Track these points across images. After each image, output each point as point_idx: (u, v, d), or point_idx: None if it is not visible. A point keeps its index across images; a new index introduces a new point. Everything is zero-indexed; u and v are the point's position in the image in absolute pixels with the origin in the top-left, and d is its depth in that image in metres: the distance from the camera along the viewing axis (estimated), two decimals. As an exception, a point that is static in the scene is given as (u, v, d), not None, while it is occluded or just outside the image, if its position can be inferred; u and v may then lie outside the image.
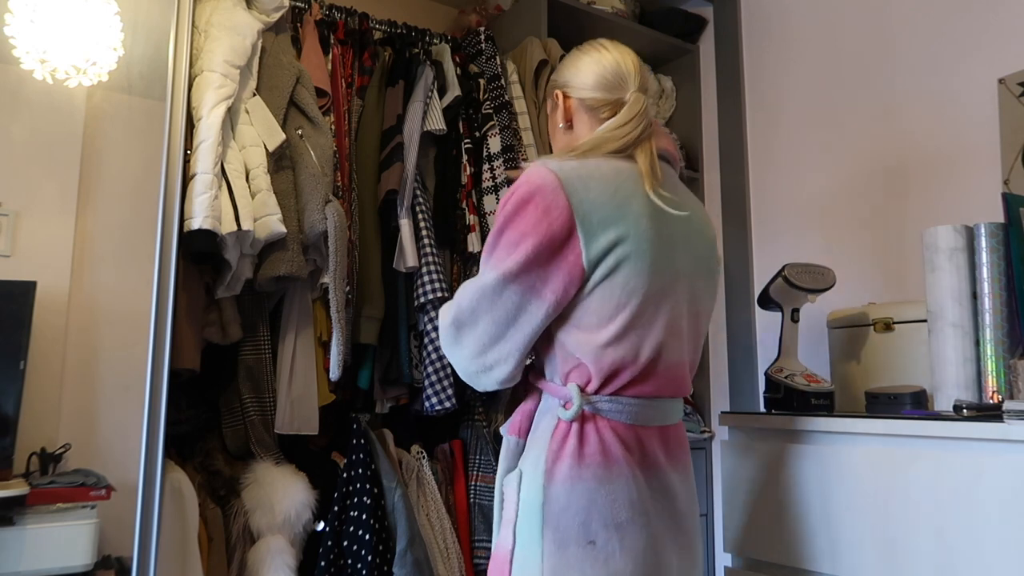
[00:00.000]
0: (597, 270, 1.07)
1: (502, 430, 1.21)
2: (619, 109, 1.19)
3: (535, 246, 1.06)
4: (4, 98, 1.85)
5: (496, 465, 2.01)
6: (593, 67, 1.22)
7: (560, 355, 1.12)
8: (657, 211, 1.12)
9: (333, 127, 1.89)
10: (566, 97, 1.25)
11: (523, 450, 1.15)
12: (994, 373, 1.43)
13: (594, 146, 1.14)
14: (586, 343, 1.08)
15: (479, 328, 1.11)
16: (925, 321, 1.59)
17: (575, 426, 1.09)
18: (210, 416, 1.83)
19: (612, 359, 1.08)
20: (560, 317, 1.10)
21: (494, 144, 2.08)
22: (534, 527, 1.05)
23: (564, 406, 1.10)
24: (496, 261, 1.09)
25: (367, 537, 1.72)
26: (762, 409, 1.83)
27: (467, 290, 1.12)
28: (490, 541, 1.94)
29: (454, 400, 1.88)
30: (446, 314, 1.15)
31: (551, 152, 1.29)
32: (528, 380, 1.22)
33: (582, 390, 1.09)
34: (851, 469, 1.41)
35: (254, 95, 1.75)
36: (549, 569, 1.03)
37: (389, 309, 1.90)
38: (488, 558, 1.93)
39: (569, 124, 1.25)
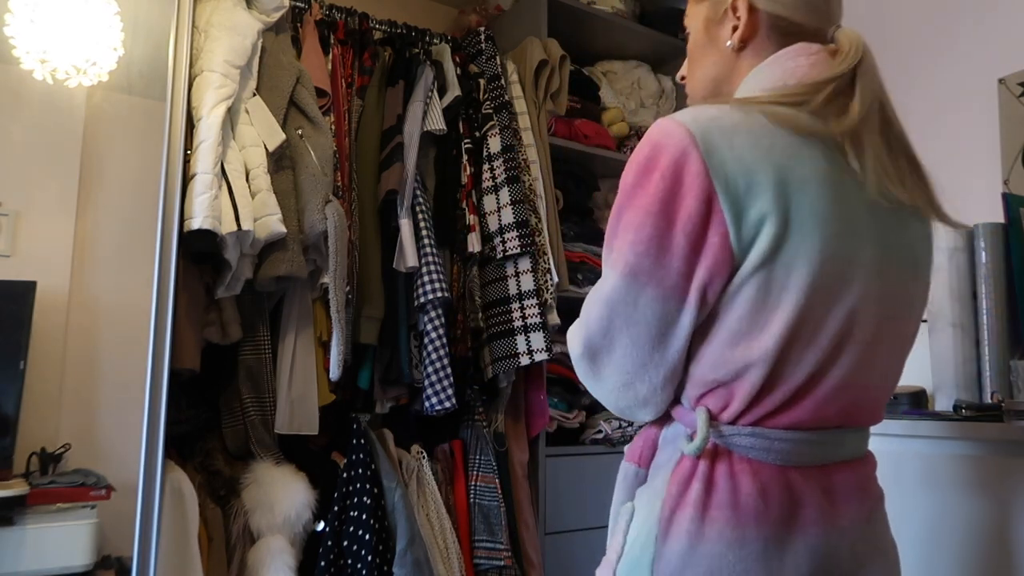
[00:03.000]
0: (750, 255, 0.78)
1: (626, 452, 0.96)
2: (812, 42, 0.90)
3: (668, 229, 0.78)
4: (4, 98, 1.85)
5: (496, 465, 2.01)
6: None
7: (693, 371, 0.84)
8: (837, 171, 0.81)
9: (333, 127, 1.89)
10: (752, 9, 0.91)
11: (643, 480, 0.90)
12: (994, 373, 1.43)
13: (755, 91, 0.86)
14: (730, 355, 0.80)
15: (616, 353, 0.83)
16: (925, 321, 1.59)
17: (702, 465, 0.81)
18: (210, 416, 1.83)
19: (761, 375, 0.79)
20: (704, 319, 0.82)
21: (494, 144, 2.08)
22: None
23: (690, 436, 0.82)
24: (618, 255, 0.81)
25: (367, 537, 1.72)
26: (762, 409, 1.82)
27: (594, 303, 0.85)
28: (490, 541, 1.94)
29: (454, 400, 1.88)
30: (575, 340, 0.87)
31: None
32: None
33: (714, 417, 0.82)
34: (851, 469, 1.41)
35: (254, 95, 1.75)
36: None
37: (389, 309, 1.90)
38: (488, 558, 1.93)
39: (744, 45, 0.92)
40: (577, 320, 0.89)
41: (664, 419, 0.90)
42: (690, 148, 0.78)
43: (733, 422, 0.81)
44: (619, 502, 0.91)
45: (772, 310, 0.78)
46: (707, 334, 0.81)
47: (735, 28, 0.92)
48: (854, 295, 0.81)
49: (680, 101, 2.68)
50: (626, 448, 0.95)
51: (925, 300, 0.92)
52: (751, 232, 0.77)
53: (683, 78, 1.02)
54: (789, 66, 0.87)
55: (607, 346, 0.84)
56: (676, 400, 0.87)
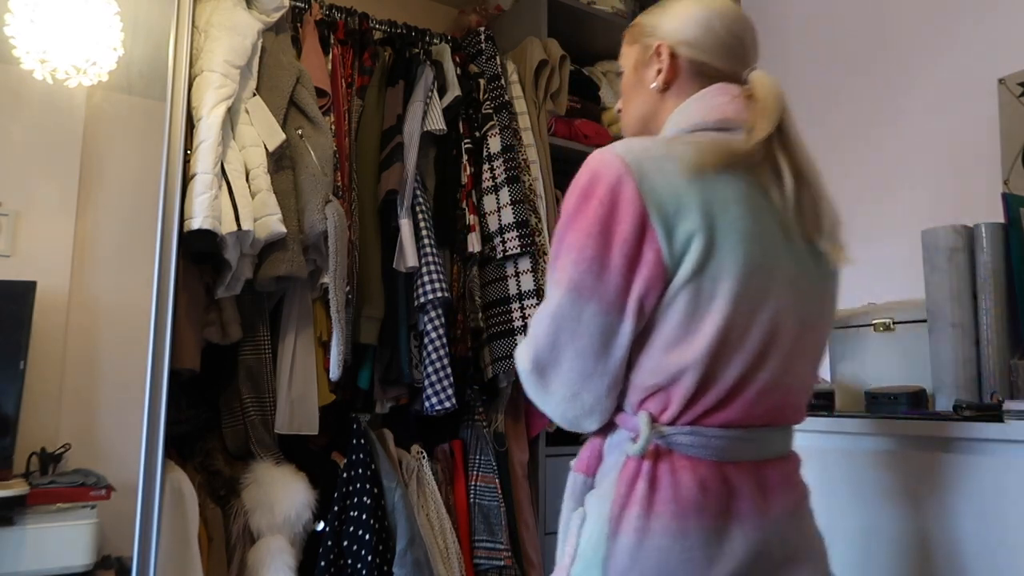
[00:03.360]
0: (681, 269, 0.86)
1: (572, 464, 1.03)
2: (729, 82, 1.00)
3: (606, 248, 0.86)
4: (4, 98, 1.85)
5: (496, 465, 2.01)
6: (713, 19, 1.02)
7: (634, 378, 0.90)
8: (755, 195, 0.90)
9: (333, 127, 1.89)
10: (674, 54, 1.01)
11: (591, 488, 0.96)
12: (994, 373, 1.43)
13: (684, 128, 0.96)
14: (666, 361, 0.87)
15: (563, 366, 0.89)
16: (925, 321, 1.59)
17: (646, 465, 0.87)
18: (210, 416, 1.83)
19: (695, 379, 0.86)
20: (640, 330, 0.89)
21: (494, 144, 2.08)
22: None
23: (633, 439, 0.89)
24: (562, 274, 0.88)
25: (367, 537, 1.72)
26: (762, 409, 1.82)
27: (540, 321, 0.91)
28: (490, 541, 1.94)
29: (454, 400, 1.88)
30: (523, 357, 0.93)
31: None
32: None
33: (655, 419, 0.88)
34: (851, 469, 1.41)
35: (254, 95, 1.75)
36: None
37: (389, 309, 1.90)
38: (488, 558, 1.92)
39: (667, 86, 1.02)
40: (524, 339, 0.95)
41: (607, 428, 0.95)
42: (625, 175, 0.86)
43: (672, 423, 0.88)
44: (569, 509, 0.96)
45: (702, 318, 0.86)
46: (645, 343, 0.88)
47: (659, 71, 1.02)
48: (775, 305, 0.89)
49: (680, 101, 2.68)
50: (573, 461, 1.00)
51: (834, 312, 1.03)
52: (681, 248, 0.85)
53: (619, 111, 1.12)
54: (711, 104, 0.97)
55: (554, 360, 0.90)
56: (619, 408, 0.93)
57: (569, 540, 0.93)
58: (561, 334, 0.89)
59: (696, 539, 0.85)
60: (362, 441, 1.81)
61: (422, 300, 1.89)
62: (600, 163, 0.89)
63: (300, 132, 1.79)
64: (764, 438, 0.92)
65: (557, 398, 0.92)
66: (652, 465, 0.87)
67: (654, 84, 1.03)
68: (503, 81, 2.14)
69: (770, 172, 0.93)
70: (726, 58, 1.01)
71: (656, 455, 0.88)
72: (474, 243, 2.02)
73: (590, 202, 0.88)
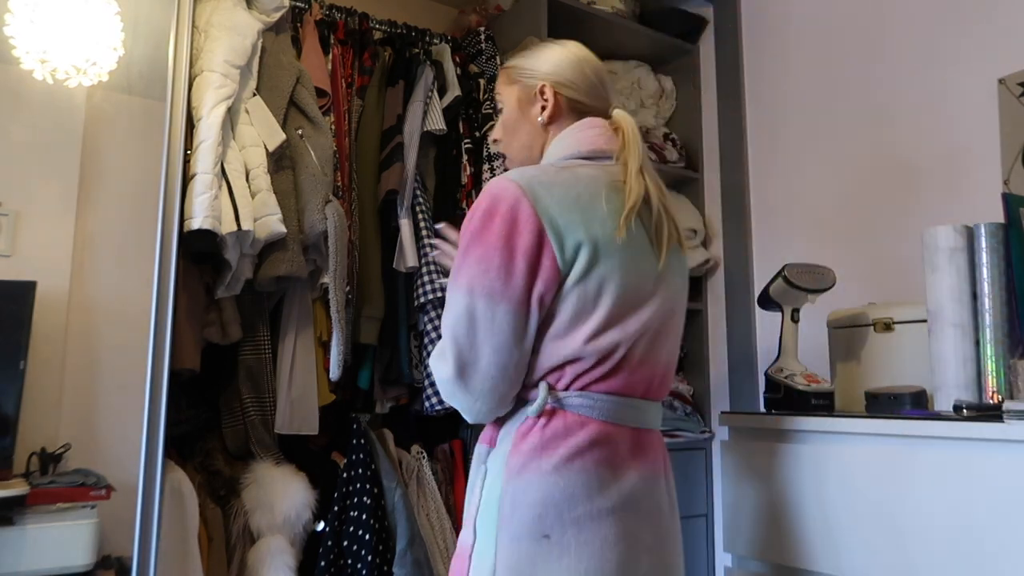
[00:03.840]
0: (572, 271, 1.05)
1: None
2: (596, 116, 1.20)
3: (511, 258, 1.03)
4: (4, 98, 1.85)
5: (496, 465, 2.01)
6: (583, 65, 1.21)
7: (536, 362, 1.08)
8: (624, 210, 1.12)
9: (333, 127, 1.89)
10: (556, 93, 1.20)
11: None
12: (994, 373, 1.43)
13: (561, 157, 1.16)
14: (562, 345, 1.06)
15: (482, 362, 1.04)
16: (925, 321, 1.59)
17: (541, 420, 1.06)
18: (210, 416, 1.83)
19: (587, 355, 1.05)
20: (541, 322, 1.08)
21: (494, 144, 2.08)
22: (491, 522, 1.04)
23: (528, 403, 1.07)
24: (471, 282, 1.04)
25: (367, 537, 1.72)
26: (762, 409, 1.83)
27: (454, 326, 1.05)
28: (490, 541, 1.94)
29: (454, 400, 1.88)
30: (445, 363, 1.07)
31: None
32: None
33: (552, 387, 1.07)
34: (851, 469, 1.41)
35: (254, 95, 1.75)
36: (502, 564, 1.00)
37: (389, 309, 1.90)
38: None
39: (551, 121, 1.21)
40: (436, 351, 1.09)
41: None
42: (521, 197, 1.05)
43: (566, 389, 1.07)
44: (476, 469, 1.13)
45: (591, 310, 1.05)
46: (544, 333, 1.06)
47: (543, 108, 1.21)
48: (647, 298, 1.10)
49: (679, 101, 2.68)
50: (480, 436, 1.16)
51: (685, 302, 1.23)
52: (571, 256, 1.05)
53: (495, 140, 1.30)
54: (585, 136, 1.17)
55: (474, 358, 1.04)
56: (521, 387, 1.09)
57: (473, 495, 1.10)
58: (479, 333, 1.04)
59: (580, 479, 1.02)
60: (362, 441, 1.81)
61: (422, 300, 1.89)
62: (500, 188, 1.07)
63: (300, 132, 1.79)
64: (642, 408, 1.12)
65: (476, 393, 1.06)
66: (547, 420, 1.06)
67: (540, 118, 1.21)
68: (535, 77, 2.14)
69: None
70: (594, 97, 1.21)
71: (551, 413, 1.06)
72: (474, 243, 2.02)
73: (493, 220, 1.05)
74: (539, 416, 1.06)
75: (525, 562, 0.99)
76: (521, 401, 1.10)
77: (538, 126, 1.22)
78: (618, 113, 1.20)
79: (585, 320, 1.05)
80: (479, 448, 1.15)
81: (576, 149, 1.15)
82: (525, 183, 1.06)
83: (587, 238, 1.05)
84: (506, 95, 1.25)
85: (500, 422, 1.12)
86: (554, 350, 1.06)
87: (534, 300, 1.04)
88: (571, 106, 1.20)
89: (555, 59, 1.21)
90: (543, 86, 1.20)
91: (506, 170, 1.15)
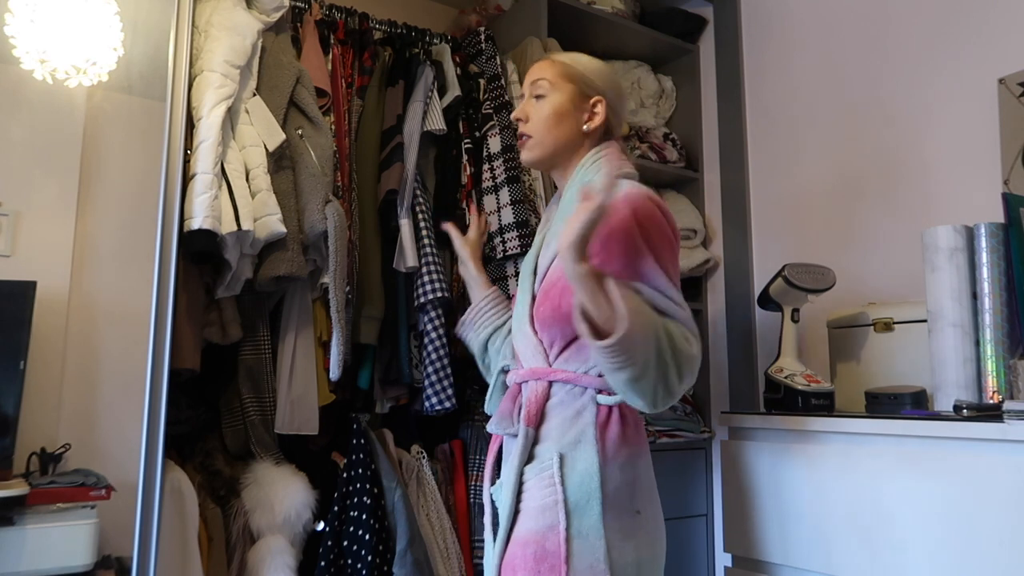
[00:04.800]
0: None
1: (490, 428, 1.29)
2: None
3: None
4: (4, 98, 1.85)
5: (496, 465, 2.01)
6: (625, 100, 1.39)
7: (584, 352, 1.21)
8: None
9: (333, 127, 1.89)
10: (608, 111, 1.34)
11: (535, 439, 1.21)
12: (994, 373, 1.43)
13: (620, 174, 1.26)
14: None
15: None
16: (925, 321, 1.59)
17: (616, 410, 1.19)
18: (210, 416, 1.83)
19: None
20: None
21: (494, 144, 2.08)
22: (593, 503, 1.13)
23: (601, 392, 1.19)
24: (679, 291, 1.18)
25: (367, 537, 1.72)
26: (762, 409, 1.83)
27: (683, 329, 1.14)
28: (490, 541, 1.94)
29: (454, 400, 1.88)
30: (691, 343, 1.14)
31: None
32: (524, 373, 1.28)
33: (601, 376, 1.19)
34: (851, 469, 1.41)
35: (254, 95, 1.75)
36: (613, 540, 1.13)
37: (389, 309, 1.90)
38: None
39: (591, 133, 1.34)
40: (690, 335, 1.14)
41: (544, 388, 1.23)
42: (660, 204, 1.25)
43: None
44: (523, 460, 1.20)
45: None
46: None
47: (591, 118, 1.33)
48: None
49: (680, 101, 2.68)
50: (517, 416, 1.24)
51: None
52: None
53: (522, 120, 1.36)
54: (625, 157, 1.34)
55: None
56: (571, 370, 1.21)
57: (544, 484, 1.16)
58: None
59: (645, 459, 1.23)
60: (362, 441, 1.81)
61: (422, 300, 1.89)
62: (647, 197, 1.20)
63: (300, 132, 1.79)
64: None
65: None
66: (620, 411, 1.19)
67: (585, 126, 1.32)
68: (503, 81, 2.14)
69: None
70: (620, 122, 1.37)
71: (617, 405, 1.20)
72: (474, 243, 2.02)
73: (665, 225, 1.20)
74: (613, 407, 1.19)
75: (629, 535, 1.14)
76: (560, 388, 1.22)
77: (579, 131, 1.32)
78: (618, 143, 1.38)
79: None
80: (528, 431, 1.21)
81: (631, 168, 1.31)
82: (658, 200, 1.22)
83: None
84: (561, 89, 1.33)
85: (541, 407, 1.22)
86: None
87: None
88: (606, 127, 1.34)
89: (612, 81, 1.34)
90: (598, 102, 1.33)
91: (516, 154, 1.23)
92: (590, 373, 1.21)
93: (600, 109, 1.32)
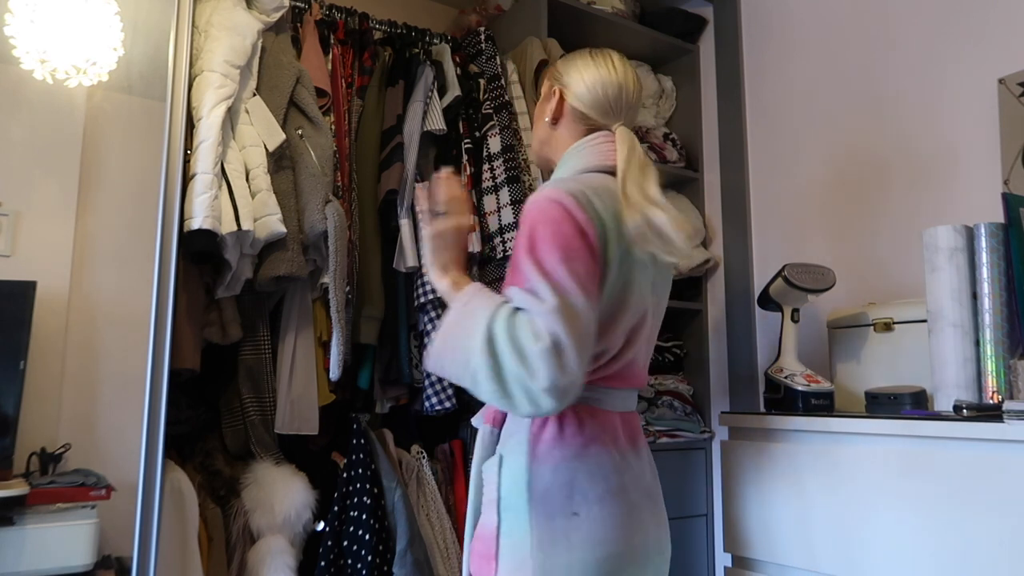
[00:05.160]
0: (608, 276, 1.14)
1: (474, 421, 1.28)
2: (603, 130, 1.28)
3: (591, 265, 1.10)
4: (4, 98, 1.85)
5: (496, 465, 2.01)
6: (598, 84, 1.27)
7: None
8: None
9: (333, 127, 1.89)
10: (562, 98, 1.31)
11: (498, 439, 1.22)
12: (994, 373, 1.43)
13: (583, 168, 1.24)
14: None
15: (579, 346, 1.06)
16: (925, 321, 1.59)
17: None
18: (210, 416, 1.83)
19: (603, 354, 1.17)
20: None
21: (494, 144, 2.08)
22: (520, 503, 1.13)
23: None
24: (554, 283, 1.05)
25: (367, 537, 1.72)
26: (762, 409, 1.83)
27: (573, 318, 1.05)
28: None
29: (454, 400, 1.88)
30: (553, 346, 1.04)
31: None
32: None
33: None
34: (851, 469, 1.41)
35: (254, 95, 1.75)
36: (537, 540, 1.11)
37: (389, 309, 1.90)
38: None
39: (555, 122, 1.32)
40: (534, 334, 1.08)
41: None
42: (577, 206, 1.13)
43: None
44: (482, 458, 1.23)
45: (615, 309, 1.15)
46: None
47: (551, 109, 1.32)
48: (647, 301, 1.21)
49: (680, 101, 2.68)
50: (479, 415, 1.27)
51: (666, 303, 1.33)
52: (612, 259, 1.14)
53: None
54: (601, 150, 1.25)
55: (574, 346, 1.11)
56: None
57: (489, 483, 1.18)
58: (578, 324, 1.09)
59: (596, 462, 1.15)
60: (362, 441, 1.81)
61: (422, 300, 1.89)
62: (557, 195, 1.13)
63: (300, 132, 1.79)
64: (629, 396, 1.25)
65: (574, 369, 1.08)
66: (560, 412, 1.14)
67: (547, 118, 1.32)
68: (503, 81, 2.14)
69: None
70: (602, 114, 1.28)
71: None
72: (474, 243, 2.02)
73: (561, 224, 1.11)
74: None
75: (561, 537, 1.11)
76: None
77: (548, 124, 1.33)
78: (620, 131, 1.26)
79: (611, 322, 1.15)
80: (484, 429, 1.24)
81: (595, 162, 1.24)
82: (571, 191, 1.13)
83: (621, 247, 1.14)
84: (543, 90, 1.39)
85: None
86: None
87: (595, 295, 1.12)
88: (574, 114, 1.29)
89: (578, 70, 1.30)
90: (556, 88, 1.32)
91: (515, 155, 1.21)
92: None
93: (557, 95, 1.31)
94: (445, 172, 1.26)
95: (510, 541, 1.13)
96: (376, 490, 1.78)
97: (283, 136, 1.73)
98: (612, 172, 1.22)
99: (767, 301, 1.88)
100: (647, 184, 1.20)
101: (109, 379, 1.92)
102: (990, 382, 1.43)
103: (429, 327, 1.89)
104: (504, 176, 2.05)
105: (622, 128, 1.26)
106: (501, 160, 2.06)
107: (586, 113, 1.28)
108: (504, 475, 1.16)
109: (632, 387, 1.25)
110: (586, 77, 1.28)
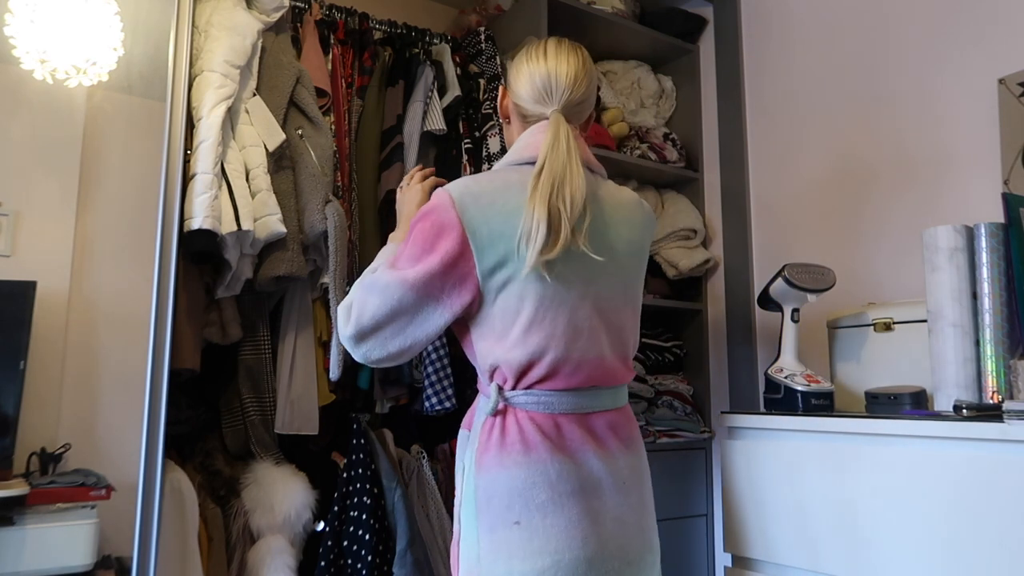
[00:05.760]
0: (491, 281, 1.14)
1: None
2: (543, 120, 1.25)
3: (431, 260, 1.14)
4: (4, 98, 1.85)
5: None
6: (526, 77, 1.27)
7: (481, 360, 1.19)
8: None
9: (333, 127, 1.89)
10: (504, 96, 1.34)
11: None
12: (994, 373, 1.43)
13: (506, 163, 1.25)
14: (496, 348, 1.16)
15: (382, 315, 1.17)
16: (925, 321, 1.59)
17: (498, 420, 1.17)
18: (210, 416, 1.83)
19: (519, 360, 1.15)
20: (475, 325, 1.19)
21: (494, 144, 2.08)
22: (471, 513, 1.15)
23: (488, 403, 1.19)
24: (401, 268, 1.17)
25: (367, 537, 1.72)
26: (762, 409, 1.83)
27: (382, 284, 1.17)
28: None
29: (454, 400, 1.88)
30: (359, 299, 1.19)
31: None
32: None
33: (500, 388, 1.17)
34: (851, 469, 1.41)
35: (254, 95, 1.75)
36: (483, 551, 1.12)
37: (389, 309, 1.90)
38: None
39: (508, 120, 1.35)
40: (353, 293, 1.23)
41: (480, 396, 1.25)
42: (450, 208, 1.17)
43: (512, 388, 1.17)
44: (459, 460, 1.24)
45: (517, 315, 1.15)
46: (480, 333, 1.19)
47: (502, 107, 1.35)
48: (573, 299, 1.17)
49: (680, 101, 2.68)
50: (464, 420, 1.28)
51: (636, 293, 1.28)
52: (491, 267, 1.15)
53: None
54: (525, 142, 1.25)
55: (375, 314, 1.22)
56: (480, 379, 1.23)
57: (457, 489, 1.20)
58: (389, 298, 1.18)
59: (538, 469, 1.12)
60: (362, 441, 1.81)
61: (422, 300, 1.89)
62: (437, 197, 1.18)
63: (300, 132, 1.79)
64: (591, 396, 1.20)
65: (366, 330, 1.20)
66: (502, 419, 1.16)
67: (503, 118, 1.36)
68: (503, 81, 2.14)
69: None
70: (535, 103, 1.26)
71: (504, 412, 1.17)
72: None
73: (424, 225, 1.17)
74: (495, 415, 1.17)
75: (503, 547, 1.10)
76: (484, 400, 1.21)
77: (506, 123, 1.36)
78: (552, 117, 1.23)
79: (512, 326, 1.15)
80: (462, 432, 1.27)
81: (516, 155, 1.24)
82: (457, 194, 1.16)
83: (507, 250, 1.13)
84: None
85: (473, 411, 1.26)
86: (489, 353, 1.17)
87: (446, 299, 1.16)
88: (516, 109, 1.31)
89: (515, 66, 1.31)
90: (502, 87, 1.36)
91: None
92: (483, 381, 1.22)
93: (502, 94, 1.35)
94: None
95: (465, 550, 1.15)
96: (376, 490, 1.78)
97: (283, 136, 1.73)
98: (528, 163, 1.21)
99: (767, 301, 1.88)
100: (566, 171, 1.17)
101: (109, 379, 1.92)
102: (990, 382, 1.43)
103: (429, 327, 1.89)
104: (504, 176, 2.05)
105: (555, 114, 1.23)
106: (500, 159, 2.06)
107: (521, 106, 1.28)
108: (462, 484, 1.20)
109: (585, 386, 1.19)
110: (520, 71, 1.29)
